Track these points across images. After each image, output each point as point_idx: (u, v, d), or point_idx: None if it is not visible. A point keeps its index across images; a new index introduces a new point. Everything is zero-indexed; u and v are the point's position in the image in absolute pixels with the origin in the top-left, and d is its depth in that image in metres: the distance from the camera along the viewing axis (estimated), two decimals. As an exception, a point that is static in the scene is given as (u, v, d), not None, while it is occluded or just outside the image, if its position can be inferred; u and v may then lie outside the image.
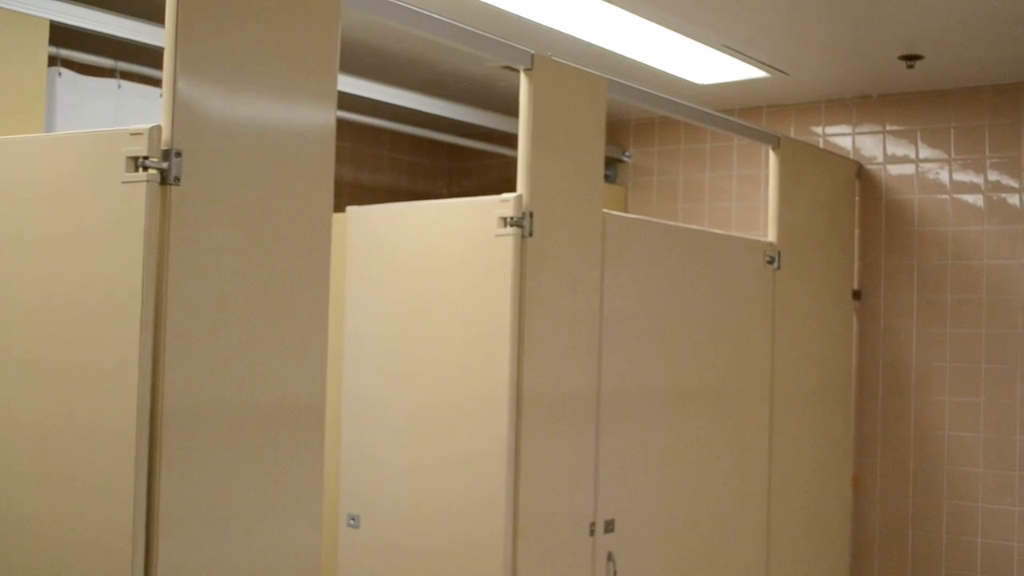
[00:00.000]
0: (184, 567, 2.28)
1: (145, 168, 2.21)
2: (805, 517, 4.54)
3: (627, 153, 5.52)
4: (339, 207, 3.56)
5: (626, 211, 5.44)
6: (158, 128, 2.23)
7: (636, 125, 5.53)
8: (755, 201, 5.14)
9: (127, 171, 2.24)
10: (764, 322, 4.29)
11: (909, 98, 4.89)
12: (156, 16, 2.70)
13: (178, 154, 2.24)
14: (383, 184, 5.74)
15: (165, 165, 2.23)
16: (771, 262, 4.31)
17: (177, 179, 2.24)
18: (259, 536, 2.44)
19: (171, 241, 2.24)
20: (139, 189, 2.22)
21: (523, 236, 3.17)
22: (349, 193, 5.45)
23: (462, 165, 6.07)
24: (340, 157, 5.49)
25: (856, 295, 4.94)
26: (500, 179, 5.82)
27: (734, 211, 5.25)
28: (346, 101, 4.25)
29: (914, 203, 4.87)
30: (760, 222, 4.96)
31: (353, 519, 3.47)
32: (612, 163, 5.52)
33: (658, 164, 5.47)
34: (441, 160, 6.08)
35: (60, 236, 2.35)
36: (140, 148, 2.22)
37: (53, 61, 3.44)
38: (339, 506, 3.50)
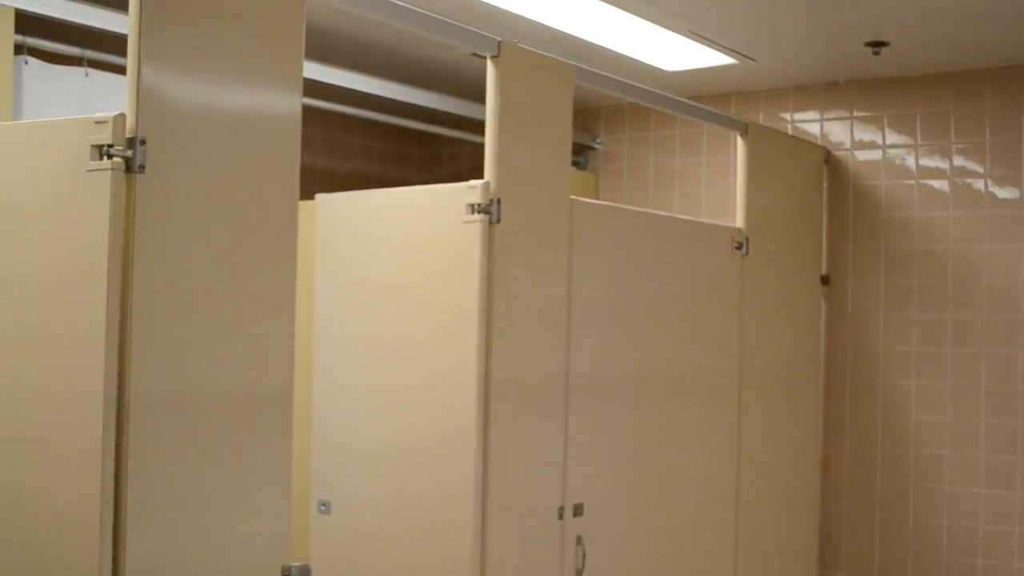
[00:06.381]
0: (152, 552, 2.29)
1: (110, 156, 2.22)
2: (774, 499, 4.59)
3: (598, 140, 5.55)
4: (310, 195, 3.58)
5: (597, 198, 5.46)
6: (122, 116, 2.24)
7: (606, 112, 5.55)
8: (725, 188, 5.17)
9: (92, 159, 2.23)
10: (733, 308, 4.32)
11: (876, 84, 4.93)
12: (123, 4, 2.71)
13: (142, 142, 2.24)
14: (354, 172, 5.75)
15: (130, 153, 2.23)
16: (739, 248, 4.34)
17: (142, 167, 2.25)
18: (227, 521, 2.45)
19: (136, 228, 2.25)
20: (104, 177, 2.22)
21: (490, 223, 3.18)
22: (321, 181, 5.45)
23: (433, 152, 6.08)
24: (311, 145, 5.52)
25: (824, 280, 4.98)
26: (471, 167, 5.83)
27: (704, 197, 5.29)
28: (317, 89, 4.27)
29: (881, 188, 4.92)
30: (730, 208, 4.99)
31: (324, 505, 3.49)
32: (583, 150, 5.55)
33: (629, 151, 5.49)
34: (412, 147, 6.09)
35: (26, 223, 2.36)
36: (104, 136, 2.22)
37: (19, 50, 3.43)
38: (310, 492, 3.52)
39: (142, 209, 2.26)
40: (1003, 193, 4.65)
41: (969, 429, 4.68)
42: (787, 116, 5.13)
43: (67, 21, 3.33)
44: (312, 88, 4.16)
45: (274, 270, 2.54)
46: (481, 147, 3.25)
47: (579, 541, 3.53)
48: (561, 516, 3.47)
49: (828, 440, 4.98)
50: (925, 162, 4.82)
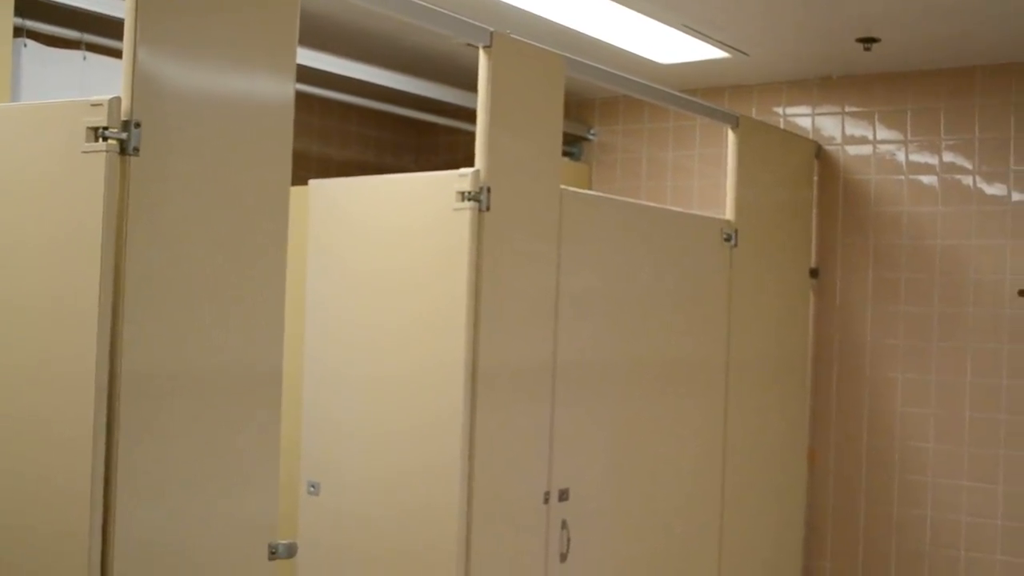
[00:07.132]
0: (142, 530, 2.33)
1: (105, 138, 2.26)
2: (760, 490, 4.63)
3: (592, 131, 5.59)
4: (306, 181, 3.62)
5: (590, 189, 5.50)
6: (118, 99, 2.28)
7: (601, 104, 5.59)
8: (717, 180, 5.21)
9: (87, 141, 2.28)
10: (721, 299, 4.36)
11: (867, 80, 4.97)
12: (120, -11, 2.74)
13: (137, 125, 2.29)
14: (351, 159, 5.78)
15: (124, 136, 2.27)
16: (728, 240, 4.38)
17: (136, 149, 2.29)
18: (217, 500, 2.49)
19: (130, 210, 2.29)
20: (98, 159, 2.26)
21: (480, 210, 3.23)
22: (317, 168, 5.49)
23: (429, 141, 6.12)
24: (308, 132, 5.55)
25: (813, 273, 5.03)
26: (467, 155, 5.85)
27: (696, 190, 5.33)
28: (314, 76, 4.31)
29: (871, 183, 4.96)
30: (722, 200, 5.04)
31: (313, 486, 3.54)
32: (577, 141, 5.58)
33: (622, 142, 5.53)
34: (408, 136, 6.13)
35: (20, 204, 2.40)
36: (100, 119, 2.26)
37: (19, 32, 3.47)
38: (300, 473, 3.57)
39: (136, 191, 2.30)
40: (991, 190, 4.70)
41: (954, 423, 4.73)
42: (779, 110, 5.17)
43: (66, 4, 3.37)
44: (310, 75, 4.20)
45: (265, 252, 2.58)
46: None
47: (564, 525, 3.58)
48: (547, 501, 3.52)
49: (814, 432, 5.03)
50: (915, 158, 4.87)
